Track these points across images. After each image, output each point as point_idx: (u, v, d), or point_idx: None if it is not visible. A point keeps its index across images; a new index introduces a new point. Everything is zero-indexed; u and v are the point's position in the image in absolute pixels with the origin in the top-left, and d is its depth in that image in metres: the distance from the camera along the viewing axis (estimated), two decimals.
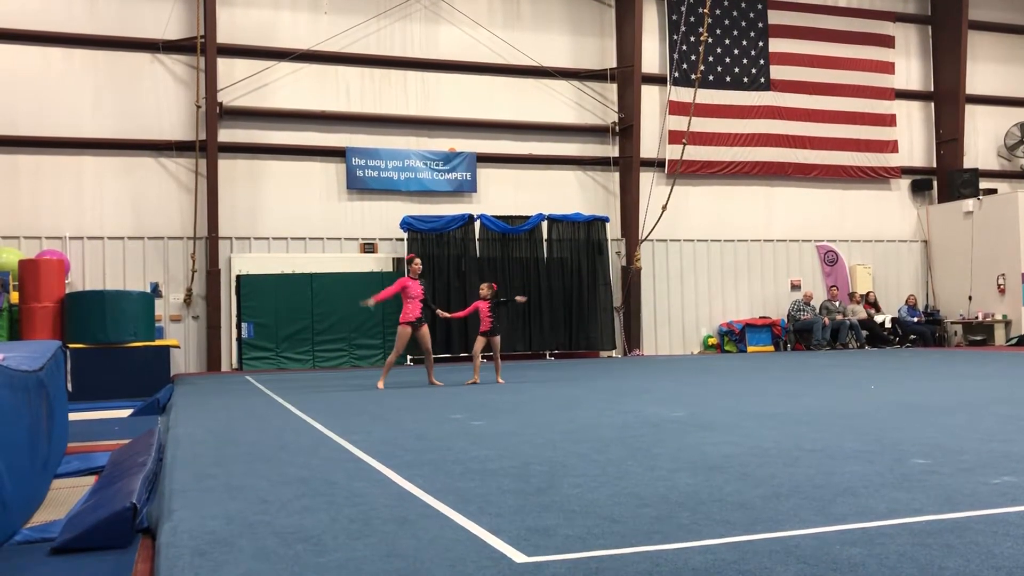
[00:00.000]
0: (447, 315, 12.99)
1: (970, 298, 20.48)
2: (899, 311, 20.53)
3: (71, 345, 12.53)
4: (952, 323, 20.92)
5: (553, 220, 18.44)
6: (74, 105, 16.32)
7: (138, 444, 6.17)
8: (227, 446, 6.28)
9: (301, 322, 16.84)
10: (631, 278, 18.93)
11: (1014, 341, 19.26)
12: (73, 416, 7.97)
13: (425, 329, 11.72)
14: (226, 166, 16.93)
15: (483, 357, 12.31)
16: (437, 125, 18.35)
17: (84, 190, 16.34)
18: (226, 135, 16.97)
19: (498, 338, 12.20)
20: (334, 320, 17.00)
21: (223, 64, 16.89)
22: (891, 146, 21.37)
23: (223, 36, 16.89)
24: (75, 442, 7.04)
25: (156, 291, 16.34)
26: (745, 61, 20.30)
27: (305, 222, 17.41)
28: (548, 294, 18.21)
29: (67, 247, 16.03)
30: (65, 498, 4.92)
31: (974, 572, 2.87)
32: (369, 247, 17.78)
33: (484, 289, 12.23)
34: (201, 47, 16.64)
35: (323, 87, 17.72)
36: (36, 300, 13.71)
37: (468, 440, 6.17)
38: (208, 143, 16.55)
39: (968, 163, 21.58)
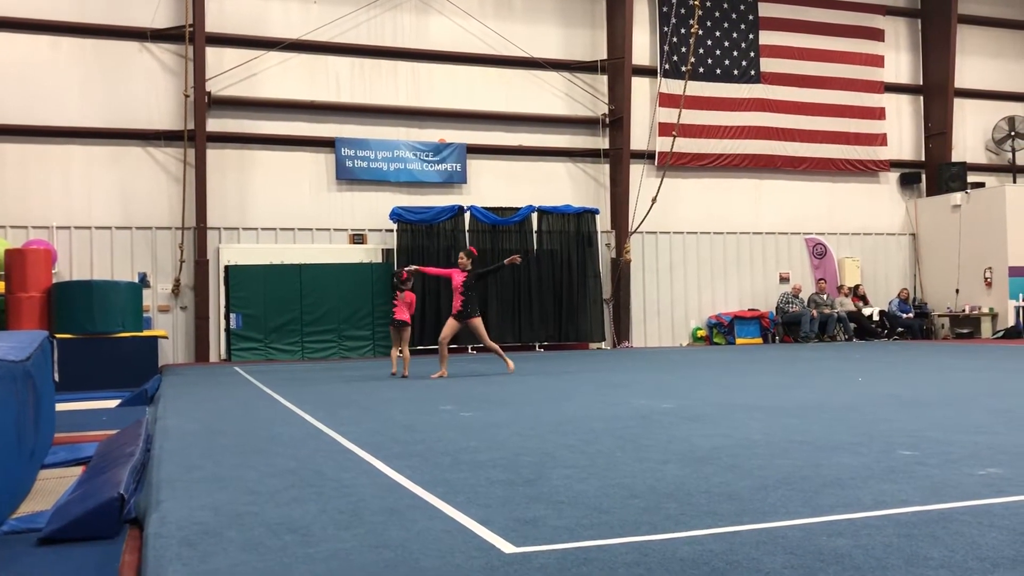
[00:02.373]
0: (420, 269, 11.83)
1: (957, 291, 20.59)
2: (890, 304, 20.62)
3: (58, 335, 12.47)
4: (939, 316, 21.04)
5: (543, 212, 18.43)
6: (61, 94, 16.20)
7: (126, 435, 6.15)
8: (215, 437, 6.26)
9: (290, 313, 16.80)
10: (621, 270, 18.96)
11: (1000, 334, 19.38)
12: (60, 406, 7.94)
13: (475, 321, 11.04)
14: (215, 156, 16.85)
15: (474, 349, 11.54)
16: (427, 116, 18.30)
17: (71, 179, 16.24)
18: (215, 125, 16.89)
19: (476, 320, 11.01)
20: (323, 311, 16.97)
21: (212, 53, 16.80)
22: (880, 139, 21.44)
23: (212, 25, 16.79)
24: (62, 432, 7.01)
25: (144, 281, 16.27)
26: (735, 53, 20.31)
27: (294, 213, 17.35)
28: (538, 286, 18.21)
29: (54, 237, 15.93)
30: (52, 488, 4.90)
31: (959, 562, 2.89)
32: (358, 238, 17.74)
33: (462, 257, 11.01)
34: (190, 36, 16.53)
35: (313, 77, 17.65)
36: (23, 290, 13.63)
37: (457, 431, 6.18)
38: (197, 133, 16.46)
39: (956, 157, 21.66)
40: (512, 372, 11.40)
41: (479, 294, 12.24)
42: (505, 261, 11.61)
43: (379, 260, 17.61)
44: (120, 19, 16.50)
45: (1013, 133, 21.96)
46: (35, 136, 16.00)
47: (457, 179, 18.35)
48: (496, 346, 11.47)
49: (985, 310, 19.88)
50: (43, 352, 5.97)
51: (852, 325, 19.95)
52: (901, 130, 21.98)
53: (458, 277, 11.11)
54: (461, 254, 11.31)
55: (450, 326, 11.23)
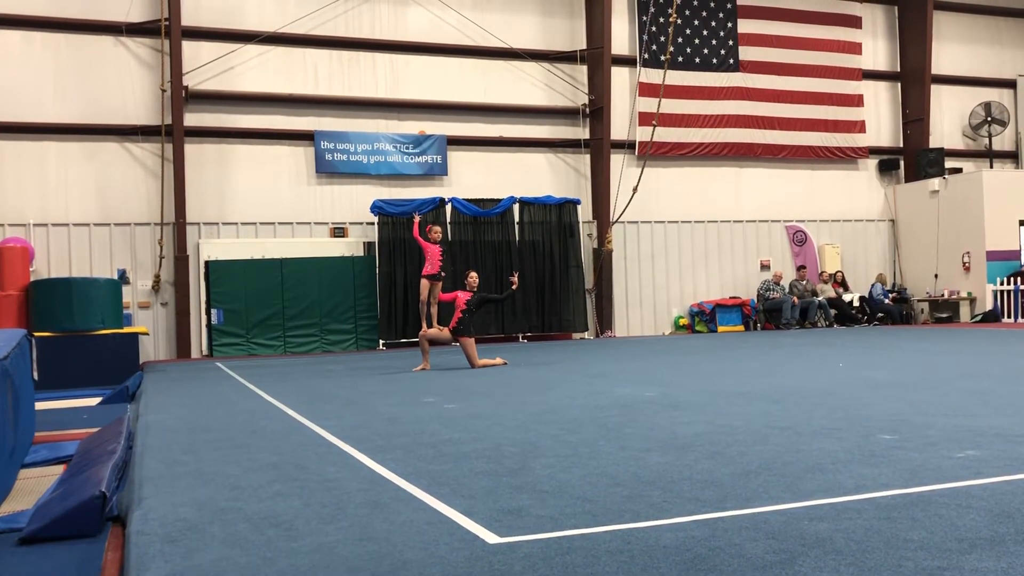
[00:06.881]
0: (441, 297, 11.94)
1: (936, 276, 20.76)
2: (870, 290, 20.76)
3: (37, 333, 12.37)
4: (919, 301, 21.21)
5: (525, 203, 18.41)
6: (36, 89, 16.01)
7: (107, 432, 6.11)
8: (198, 433, 6.23)
9: (272, 308, 16.72)
10: (603, 260, 18.98)
11: (979, 318, 19.56)
12: (41, 405, 7.89)
13: (467, 340, 11.00)
14: (193, 151, 16.72)
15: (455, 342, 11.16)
16: (406, 108, 18.23)
17: (48, 176, 16.07)
18: (192, 119, 16.75)
19: (468, 340, 10.93)
20: (305, 305, 16.90)
21: (188, 47, 16.65)
22: (859, 126, 21.55)
23: (188, 18, 16.64)
24: (43, 431, 6.97)
25: (123, 278, 16.14)
26: (714, 42, 20.34)
27: (274, 207, 17.25)
28: (520, 277, 18.17)
29: (31, 234, 15.77)
30: (33, 488, 4.87)
31: (938, 543, 2.92)
32: (339, 231, 17.67)
33: (472, 278, 11.22)
34: (165, 30, 16.37)
35: (291, 70, 17.53)
36: (0, 288, 13.50)
37: (441, 423, 6.18)
38: (174, 127, 16.32)
39: (934, 143, 21.81)
40: (506, 365, 11.35)
41: (480, 317, 12.28)
42: (512, 285, 11.77)
43: (360, 253, 17.54)
44: (94, 13, 16.31)
45: (989, 119, 22.13)
46: (9, 132, 15.81)
47: (438, 171, 18.30)
48: (483, 362, 11.13)
49: (963, 294, 20.05)
50: (22, 351, 5.92)
51: (833, 311, 20.08)
52: (879, 117, 22.11)
53: (463, 297, 11.17)
54: (472, 275, 11.42)
55: (438, 331, 11.34)
